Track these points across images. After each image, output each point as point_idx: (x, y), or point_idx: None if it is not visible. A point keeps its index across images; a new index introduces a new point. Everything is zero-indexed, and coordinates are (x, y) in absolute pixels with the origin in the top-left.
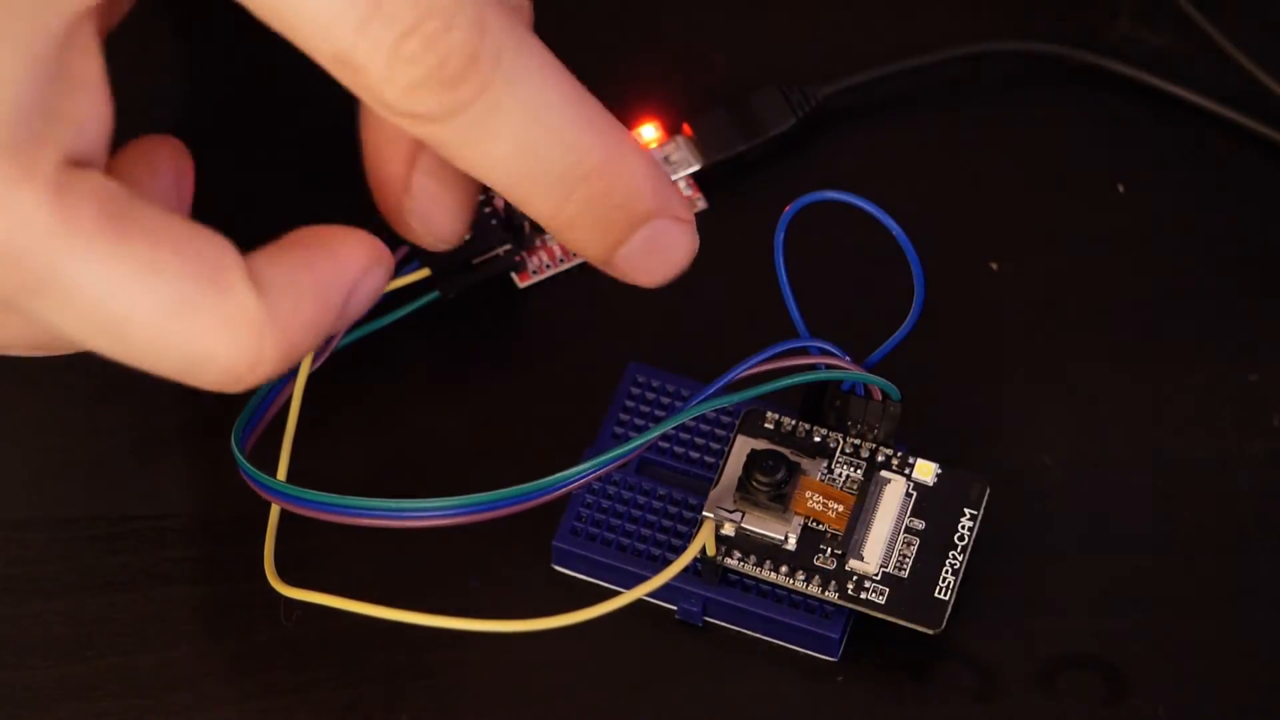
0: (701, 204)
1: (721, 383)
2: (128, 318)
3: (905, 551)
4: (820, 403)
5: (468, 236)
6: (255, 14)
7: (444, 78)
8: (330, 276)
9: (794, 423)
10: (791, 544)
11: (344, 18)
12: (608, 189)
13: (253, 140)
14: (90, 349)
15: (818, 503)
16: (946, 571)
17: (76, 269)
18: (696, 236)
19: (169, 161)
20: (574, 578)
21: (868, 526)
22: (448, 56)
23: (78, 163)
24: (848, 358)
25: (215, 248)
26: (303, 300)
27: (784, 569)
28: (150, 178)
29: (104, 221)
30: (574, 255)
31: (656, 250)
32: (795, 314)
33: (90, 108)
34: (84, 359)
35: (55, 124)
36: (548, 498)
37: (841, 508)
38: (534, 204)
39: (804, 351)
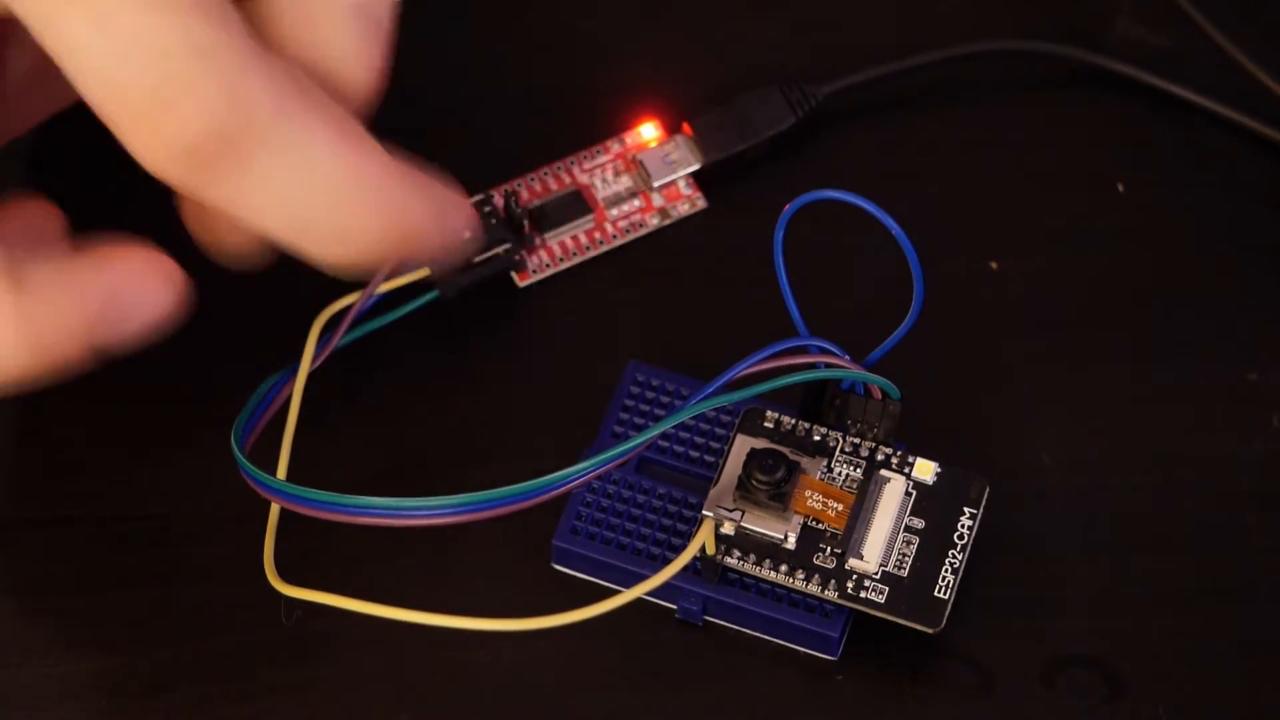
0: (701, 204)
1: (721, 382)
2: None
3: (905, 550)
4: (820, 402)
5: (258, 263)
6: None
7: (199, 158)
8: (93, 285)
9: (794, 421)
10: (791, 543)
11: (107, 86)
12: (379, 241)
13: None
14: None
15: (817, 502)
16: (946, 570)
17: None
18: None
19: (32, 214)
20: (574, 577)
21: (867, 525)
22: (202, 137)
23: None
24: (847, 357)
25: None
26: (59, 303)
27: (784, 568)
28: None
29: None
30: (574, 255)
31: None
32: (795, 313)
33: None
34: None
35: None
36: (547, 497)
37: (841, 506)
38: (305, 253)
39: (804, 350)
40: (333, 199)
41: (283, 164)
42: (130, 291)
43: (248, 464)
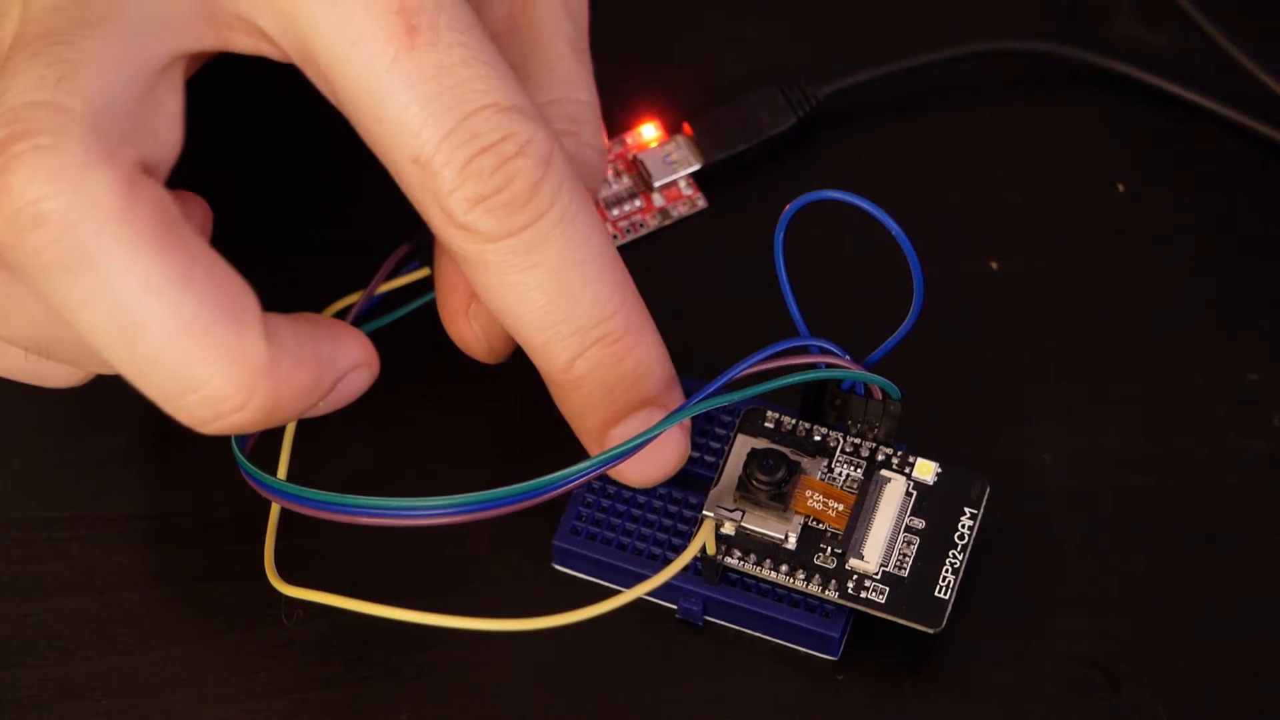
0: (701, 204)
1: (721, 382)
2: (145, 322)
3: (905, 550)
4: (820, 402)
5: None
6: (341, 108)
7: (506, 199)
8: (330, 358)
9: (794, 422)
10: (792, 543)
11: (433, 124)
12: (622, 356)
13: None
14: (92, 344)
15: (818, 502)
16: (946, 571)
17: (118, 258)
18: (689, 443)
19: (196, 212)
20: (574, 577)
21: (868, 525)
22: (514, 179)
23: (148, 171)
24: (848, 356)
25: (241, 288)
26: (302, 367)
27: (784, 568)
28: None
29: (157, 226)
30: None
31: (652, 441)
32: (795, 313)
33: (168, 132)
34: None
35: (141, 131)
36: (548, 496)
37: (842, 507)
38: (551, 350)
39: (804, 350)
40: (599, 290)
41: (568, 236)
42: (354, 375)
43: (248, 464)
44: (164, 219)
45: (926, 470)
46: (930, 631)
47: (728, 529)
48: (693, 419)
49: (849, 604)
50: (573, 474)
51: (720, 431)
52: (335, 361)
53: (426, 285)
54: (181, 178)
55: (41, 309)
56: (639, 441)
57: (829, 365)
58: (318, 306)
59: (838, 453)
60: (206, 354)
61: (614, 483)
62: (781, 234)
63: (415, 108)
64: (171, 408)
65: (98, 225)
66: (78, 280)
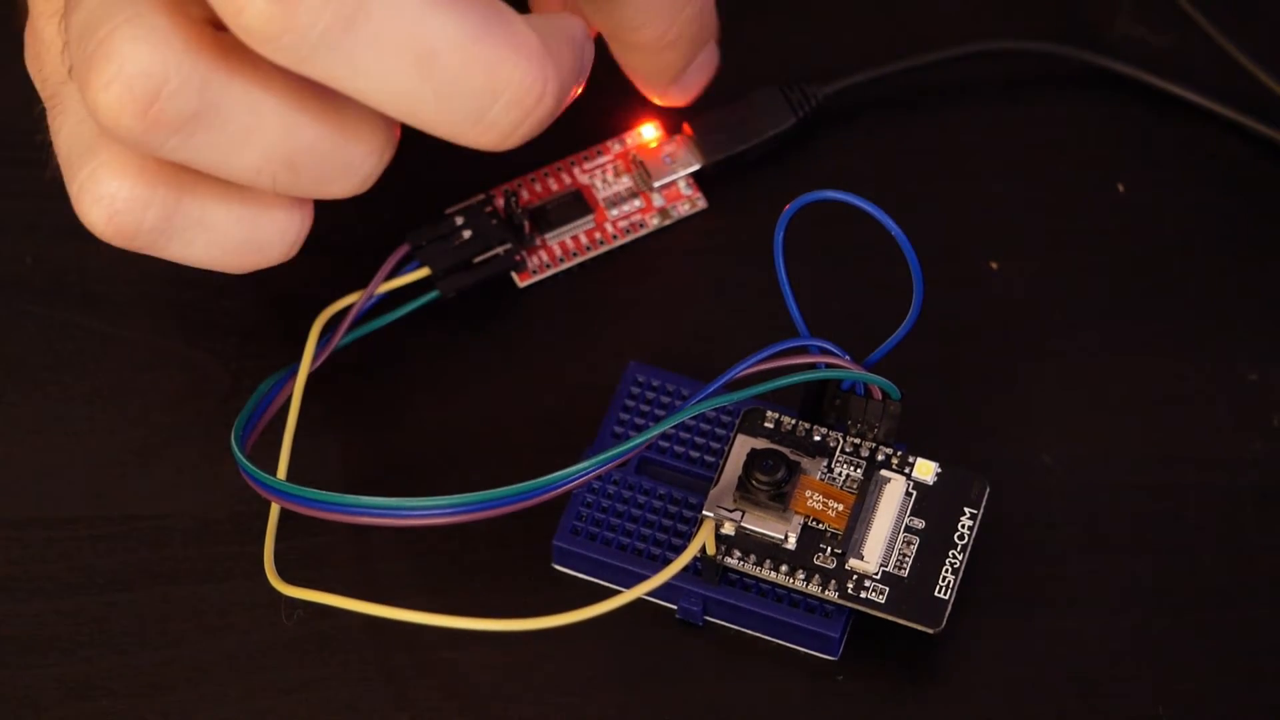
0: (701, 204)
1: (721, 382)
2: (437, 45)
3: (905, 550)
4: (820, 402)
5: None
6: None
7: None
8: (575, 33)
9: (794, 422)
10: (791, 543)
11: None
12: (704, 4)
13: None
14: (385, 98)
15: (818, 502)
16: (946, 570)
17: None
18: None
19: None
20: (574, 577)
21: (868, 525)
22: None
23: None
24: (847, 357)
25: None
26: (564, 44)
27: (784, 568)
28: None
29: None
30: (574, 255)
31: (705, 69)
32: (795, 313)
33: None
34: (83, 359)
35: None
36: (548, 496)
37: (841, 507)
38: (649, 28)
39: (804, 350)
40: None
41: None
42: (587, 44)
43: (248, 464)
44: None
45: (926, 470)
46: (930, 631)
47: (728, 529)
48: (693, 418)
49: (849, 604)
50: (573, 474)
51: (720, 432)
52: (580, 35)
53: (427, 285)
54: None
55: (283, 113)
56: (638, 442)
57: (829, 365)
58: (318, 306)
59: (837, 453)
60: (499, 55)
61: (614, 483)
62: (781, 234)
63: None
64: (477, 130)
65: None
66: (360, 31)
